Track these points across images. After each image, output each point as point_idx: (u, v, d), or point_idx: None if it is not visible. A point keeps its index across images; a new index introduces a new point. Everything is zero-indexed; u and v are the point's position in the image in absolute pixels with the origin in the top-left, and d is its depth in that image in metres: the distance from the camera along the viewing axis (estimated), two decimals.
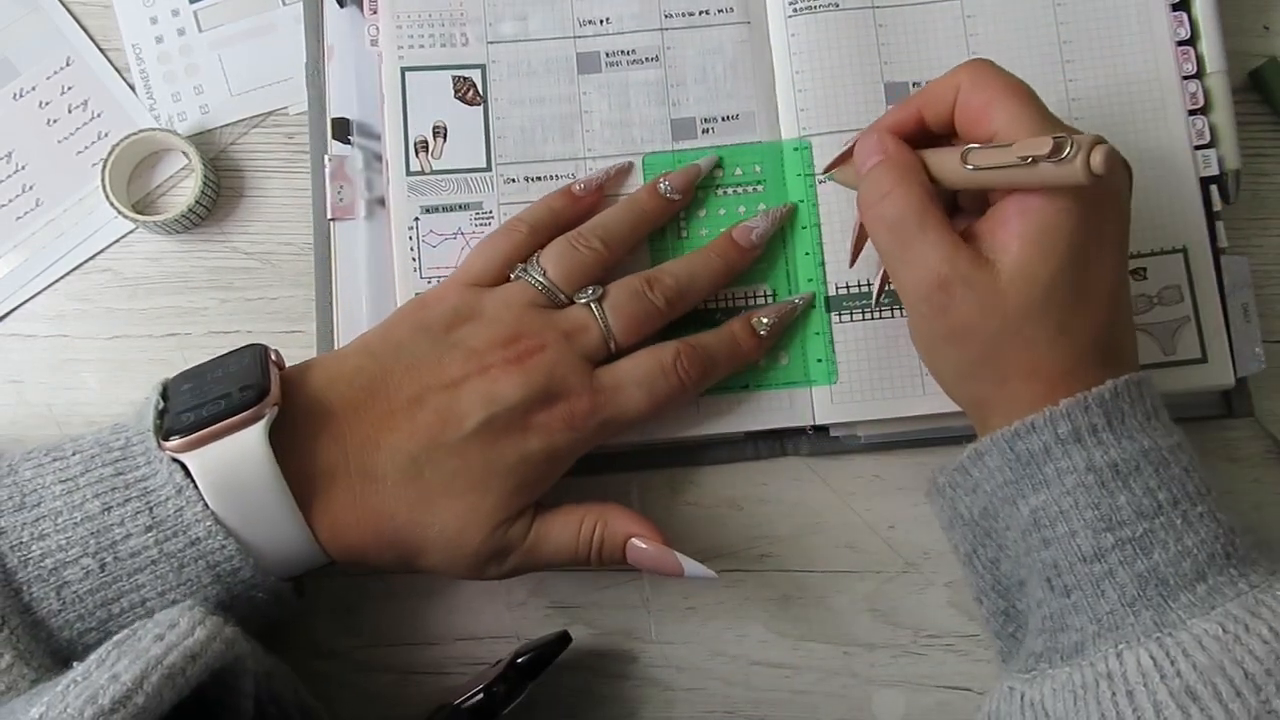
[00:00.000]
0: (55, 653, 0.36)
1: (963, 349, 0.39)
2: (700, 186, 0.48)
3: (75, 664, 0.32)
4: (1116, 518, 0.35)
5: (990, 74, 0.39)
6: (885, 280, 0.45)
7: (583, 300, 0.43)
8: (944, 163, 0.40)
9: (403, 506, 0.39)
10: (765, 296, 0.47)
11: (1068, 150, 0.35)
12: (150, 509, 0.36)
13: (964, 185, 0.40)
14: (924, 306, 0.39)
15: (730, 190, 0.48)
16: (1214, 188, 0.47)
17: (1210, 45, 0.47)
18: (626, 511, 0.42)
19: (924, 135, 0.41)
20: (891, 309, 0.46)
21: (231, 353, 0.40)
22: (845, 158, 0.44)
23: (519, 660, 0.42)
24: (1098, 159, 0.34)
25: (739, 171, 0.48)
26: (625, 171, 0.48)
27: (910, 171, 0.40)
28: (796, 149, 0.48)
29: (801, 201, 0.48)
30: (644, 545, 0.41)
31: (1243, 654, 0.32)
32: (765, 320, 0.46)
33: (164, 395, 0.38)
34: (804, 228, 0.47)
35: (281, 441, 0.37)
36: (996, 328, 0.38)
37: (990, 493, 0.40)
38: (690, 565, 0.41)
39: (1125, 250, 0.39)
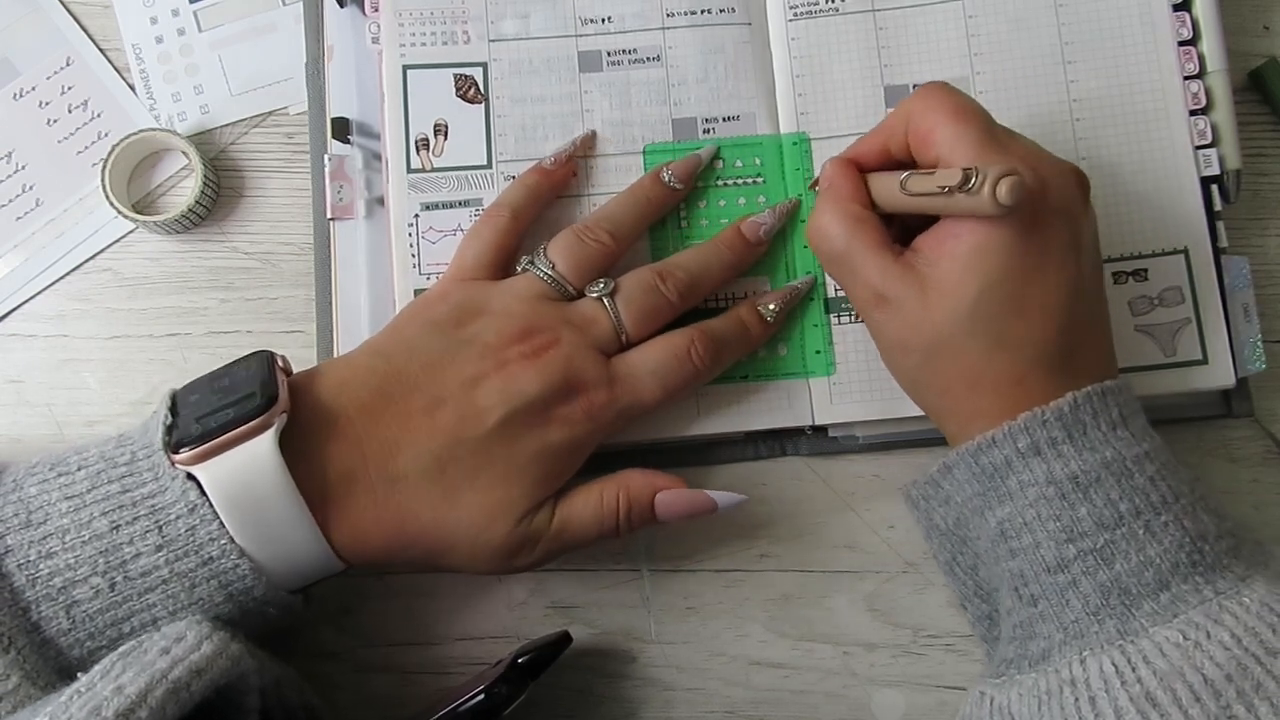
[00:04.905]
0: (63, 670, 0.35)
1: (904, 360, 0.41)
2: (700, 180, 0.48)
3: (80, 675, 0.31)
4: (1078, 529, 0.36)
5: (939, 97, 0.40)
6: None
7: (594, 294, 0.43)
8: (885, 187, 0.41)
9: (426, 506, 0.39)
10: (765, 290, 0.47)
11: (973, 182, 0.36)
12: (160, 528, 0.35)
13: (901, 209, 0.41)
14: (867, 322, 0.42)
15: (730, 183, 0.48)
16: (1214, 188, 0.47)
17: (1211, 44, 0.47)
18: (642, 471, 0.42)
19: (893, 163, 0.42)
20: None
21: (238, 360, 0.39)
22: None
23: (519, 660, 0.42)
24: (1003, 190, 0.35)
25: (739, 164, 0.48)
26: (589, 140, 0.48)
27: (841, 197, 0.42)
28: (795, 143, 0.48)
29: (800, 196, 0.48)
30: (672, 496, 0.42)
31: (1203, 660, 0.32)
32: (772, 307, 0.46)
33: (173, 409, 0.37)
34: (803, 221, 0.47)
35: (293, 450, 0.37)
36: (928, 341, 0.39)
37: (961, 504, 0.40)
38: (722, 497, 0.42)
39: (1082, 261, 0.39)
